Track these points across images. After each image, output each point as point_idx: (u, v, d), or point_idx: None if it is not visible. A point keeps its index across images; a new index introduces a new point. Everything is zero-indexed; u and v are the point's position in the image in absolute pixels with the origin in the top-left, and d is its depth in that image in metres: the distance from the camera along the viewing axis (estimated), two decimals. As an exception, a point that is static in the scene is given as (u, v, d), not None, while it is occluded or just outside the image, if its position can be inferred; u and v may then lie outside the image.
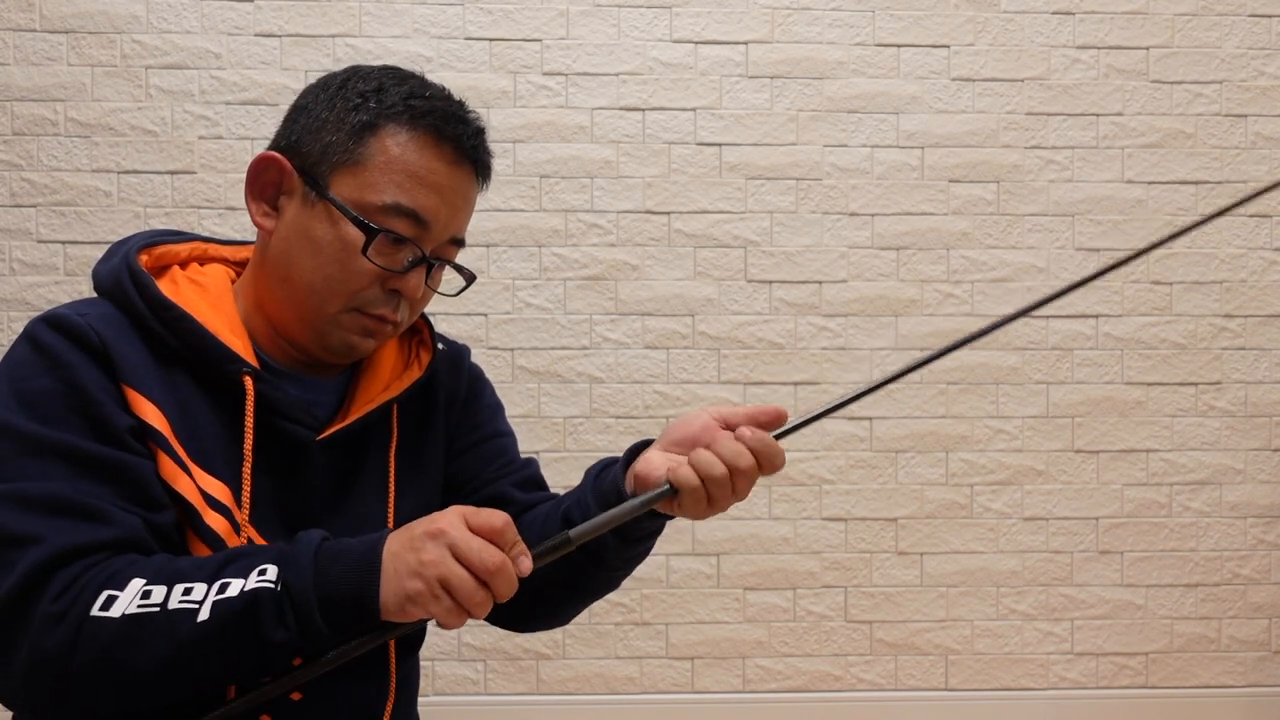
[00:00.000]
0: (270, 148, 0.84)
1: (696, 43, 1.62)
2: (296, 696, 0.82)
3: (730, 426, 0.77)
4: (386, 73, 0.84)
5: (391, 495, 0.88)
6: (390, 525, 0.87)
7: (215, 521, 0.77)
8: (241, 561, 0.69)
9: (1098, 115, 1.66)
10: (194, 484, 0.77)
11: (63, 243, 1.55)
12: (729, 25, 1.62)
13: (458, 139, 0.83)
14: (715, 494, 0.74)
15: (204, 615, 0.67)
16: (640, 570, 1.64)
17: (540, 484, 0.99)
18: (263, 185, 0.84)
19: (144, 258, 0.83)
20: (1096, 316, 1.66)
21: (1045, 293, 0.78)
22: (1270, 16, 1.66)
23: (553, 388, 1.61)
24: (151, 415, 0.77)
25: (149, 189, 1.56)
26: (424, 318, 0.97)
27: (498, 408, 1.02)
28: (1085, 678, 1.66)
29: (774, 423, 0.77)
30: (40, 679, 0.67)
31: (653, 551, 1.67)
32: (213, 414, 0.80)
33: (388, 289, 0.82)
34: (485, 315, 1.60)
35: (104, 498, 0.73)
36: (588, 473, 0.89)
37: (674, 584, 1.62)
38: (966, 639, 1.65)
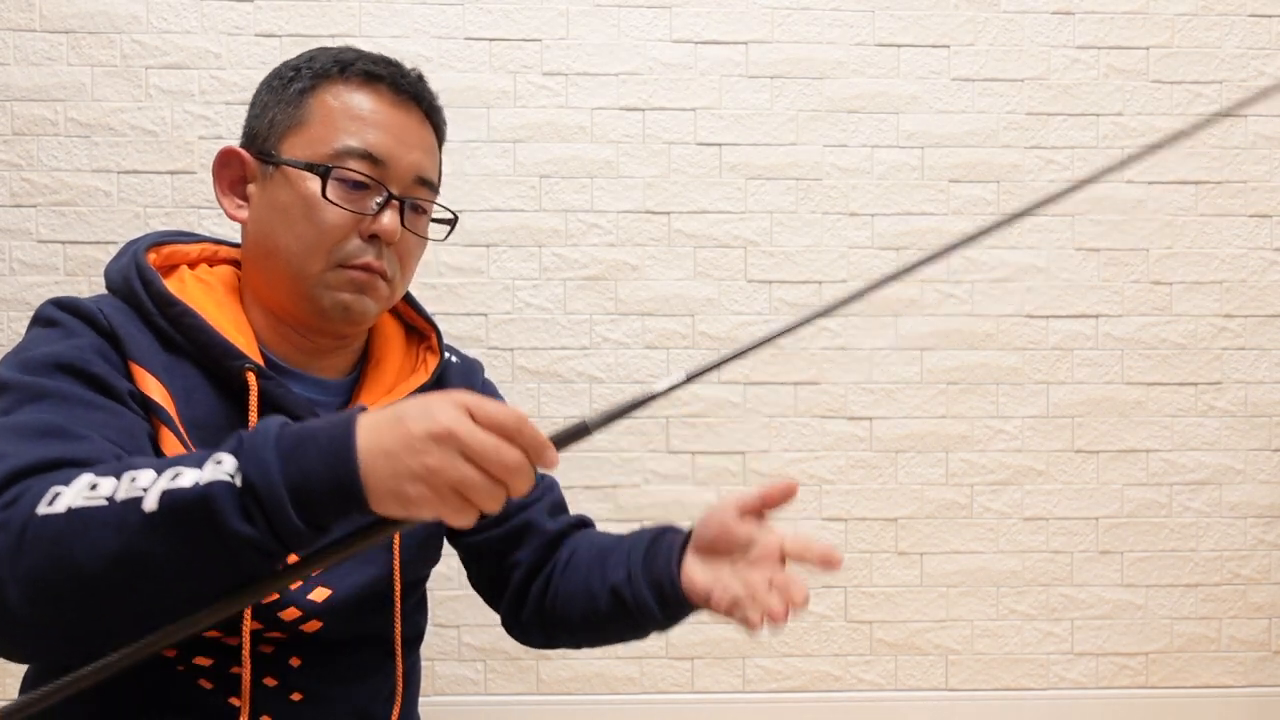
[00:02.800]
0: None
1: (696, 43, 1.62)
2: (297, 697, 0.82)
3: (749, 511, 0.79)
4: (316, 49, 0.88)
5: None
6: (395, 534, 0.86)
7: None
8: (197, 453, 0.63)
9: (1097, 115, 1.66)
10: None
11: (63, 243, 1.55)
12: (729, 25, 1.62)
13: (393, 79, 0.86)
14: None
15: (150, 505, 0.59)
16: (640, 570, 1.64)
17: (561, 506, 1.01)
18: (229, 180, 0.87)
19: (152, 256, 0.85)
20: (1096, 316, 1.66)
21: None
22: (1270, 16, 1.66)
23: (553, 388, 1.61)
24: (156, 391, 0.77)
25: (149, 189, 1.56)
26: (432, 324, 0.98)
27: None
28: (1085, 677, 1.66)
29: (784, 497, 0.79)
30: None
31: (653, 551, 1.66)
32: (218, 407, 0.80)
33: (366, 237, 0.83)
34: (485, 315, 1.60)
35: (92, 427, 0.70)
36: (637, 542, 0.88)
37: (674, 584, 1.62)
38: (966, 639, 1.65)
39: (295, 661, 0.82)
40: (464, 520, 0.61)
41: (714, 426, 1.62)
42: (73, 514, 0.60)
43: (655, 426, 1.61)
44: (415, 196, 0.87)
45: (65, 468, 0.65)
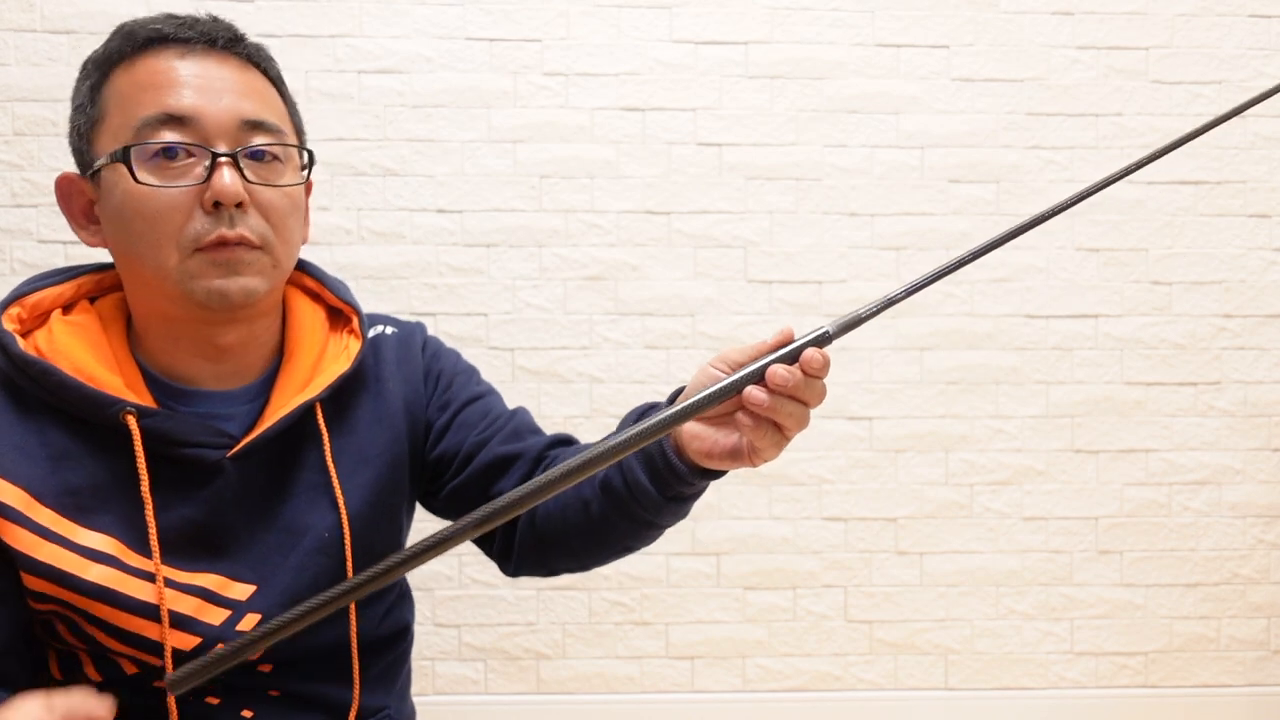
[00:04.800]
0: None
1: (696, 43, 1.62)
2: (274, 693, 0.82)
3: (738, 368, 0.67)
4: (105, 42, 0.81)
5: (339, 496, 0.83)
6: (345, 528, 0.82)
7: (100, 575, 0.74)
8: None
9: (1097, 115, 1.66)
10: (63, 547, 0.74)
11: (63, 243, 1.55)
12: (729, 25, 1.62)
13: (175, 33, 0.77)
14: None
15: None
16: (640, 570, 1.65)
17: (534, 428, 0.95)
18: (79, 210, 0.80)
19: (16, 310, 0.79)
20: (1096, 316, 1.66)
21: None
22: (1269, 17, 1.66)
23: (553, 388, 1.61)
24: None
25: (149, 189, 1.56)
26: (354, 306, 0.90)
27: (468, 373, 0.97)
28: (1085, 677, 1.66)
29: (783, 343, 0.66)
30: None
31: (652, 551, 1.68)
32: (96, 463, 0.76)
33: (210, 208, 0.74)
34: (485, 315, 1.60)
35: None
36: (622, 428, 0.79)
37: (674, 583, 1.62)
38: (966, 638, 1.65)
39: (266, 668, 0.81)
40: None
41: (714, 426, 1.62)
42: None
43: (655, 426, 1.61)
44: (248, 144, 0.76)
45: None
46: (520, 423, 0.94)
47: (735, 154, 1.63)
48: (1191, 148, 1.66)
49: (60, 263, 1.55)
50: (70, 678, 0.77)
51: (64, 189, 0.80)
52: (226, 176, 0.73)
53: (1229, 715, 1.66)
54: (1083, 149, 1.65)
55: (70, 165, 0.82)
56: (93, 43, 1.56)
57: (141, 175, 0.73)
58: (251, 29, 1.58)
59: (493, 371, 1.59)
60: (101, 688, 0.76)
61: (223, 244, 0.74)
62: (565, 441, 0.94)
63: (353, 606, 0.84)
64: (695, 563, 1.62)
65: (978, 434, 1.65)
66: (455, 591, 1.56)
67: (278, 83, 0.83)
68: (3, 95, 1.55)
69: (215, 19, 0.80)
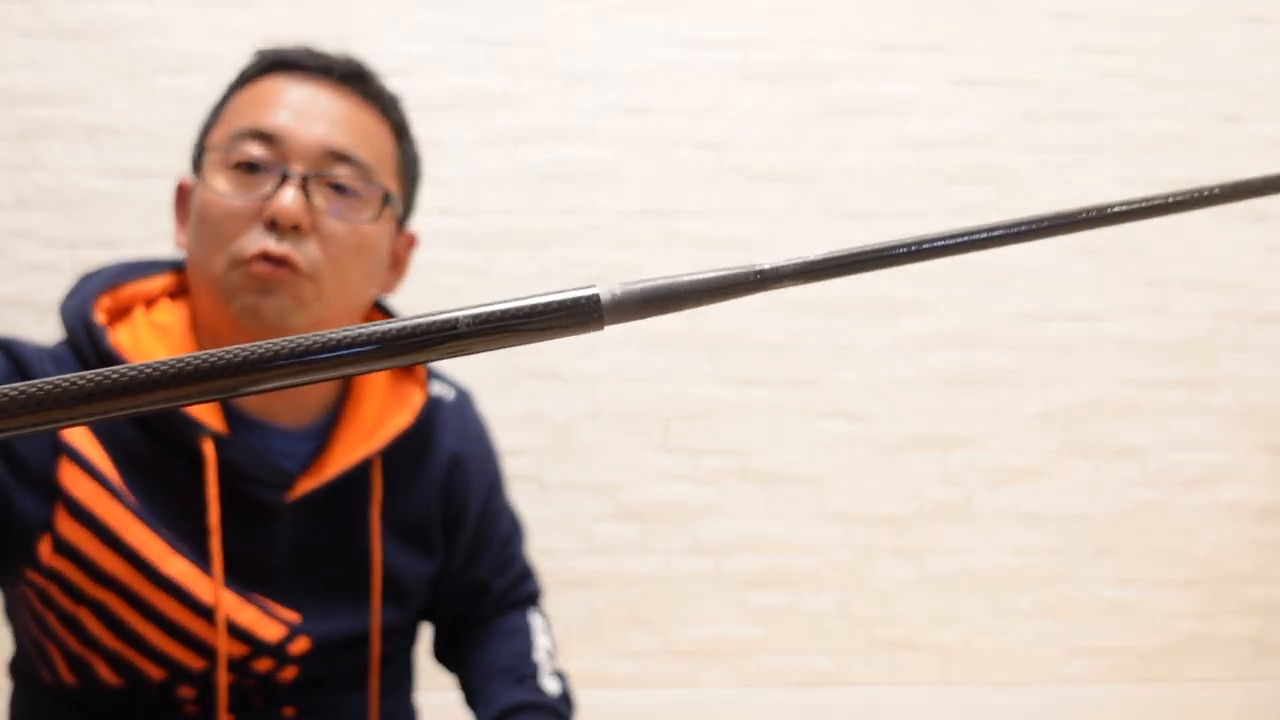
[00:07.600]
0: None
1: (696, 45, 1.63)
2: (290, 711, 0.82)
3: None
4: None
5: (376, 561, 0.81)
6: (375, 596, 0.81)
7: (178, 569, 0.72)
8: None
9: (1094, 118, 1.67)
10: (151, 531, 0.72)
11: (68, 244, 1.57)
12: (729, 27, 1.63)
13: (298, 59, 0.78)
14: None
15: None
16: (641, 569, 1.66)
17: (521, 577, 0.97)
18: (181, 212, 0.81)
19: (106, 301, 0.77)
20: (1094, 317, 1.67)
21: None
22: (1266, 21, 1.67)
23: (553, 388, 1.62)
24: (80, 436, 0.71)
25: (154, 191, 1.57)
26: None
27: (501, 479, 0.97)
28: (1081, 673, 1.67)
29: None
30: None
31: (653, 550, 1.69)
32: (171, 478, 0.74)
33: (267, 225, 0.72)
34: (487, 315, 1.61)
35: None
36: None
37: (674, 582, 1.63)
38: (964, 636, 1.66)
39: (285, 678, 0.82)
40: None
41: (714, 426, 1.63)
42: None
43: (655, 426, 1.62)
44: (326, 171, 0.74)
45: None
46: (501, 561, 0.96)
47: (735, 155, 1.64)
48: (1189, 149, 1.67)
49: (65, 263, 1.56)
50: (85, 681, 0.76)
51: (179, 192, 0.81)
52: (288, 196, 0.71)
53: (1224, 711, 1.67)
54: (1080, 150, 1.66)
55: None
56: (98, 46, 1.58)
57: (214, 182, 0.73)
58: (252, 32, 1.60)
59: (493, 371, 1.60)
60: (121, 692, 0.76)
61: (265, 258, 0.71)
62: (527, 599, 0.97)
63: (376, 633, 0.84)
64: (695, 561, 1.63)
65: (976, 433, 1.66)
66: (457, 589, 1.58)
67: (397, 129, 0.82)
68: (9, 98, 1.56)
69: (348, 57, 0.80)
